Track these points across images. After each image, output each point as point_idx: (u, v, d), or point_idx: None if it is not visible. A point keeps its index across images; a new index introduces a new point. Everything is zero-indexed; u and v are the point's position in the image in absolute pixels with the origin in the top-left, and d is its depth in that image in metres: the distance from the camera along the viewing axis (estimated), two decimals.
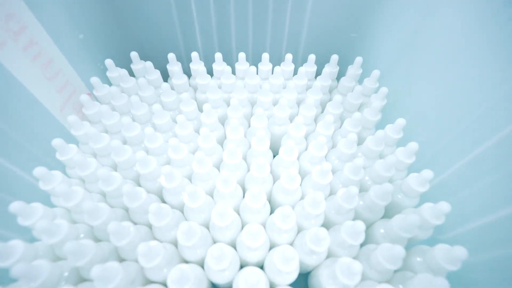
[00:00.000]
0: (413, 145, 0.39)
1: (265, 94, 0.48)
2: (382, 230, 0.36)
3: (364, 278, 0.33)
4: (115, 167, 0.43)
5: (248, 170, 0.43)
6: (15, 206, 0.30)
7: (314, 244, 0.31)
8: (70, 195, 0.33)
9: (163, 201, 0.40)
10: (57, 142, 0.36)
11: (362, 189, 0.42)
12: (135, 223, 0.37)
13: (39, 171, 0.33)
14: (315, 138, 0.46)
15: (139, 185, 0.41)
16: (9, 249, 0.28)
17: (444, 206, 0.32)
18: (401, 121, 0.42)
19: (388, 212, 0.40)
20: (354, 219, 0.38)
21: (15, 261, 0.27)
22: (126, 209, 0.38)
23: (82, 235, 0.34)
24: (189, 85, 0.57)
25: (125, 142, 0.45)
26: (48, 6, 0.41)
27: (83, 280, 0.31)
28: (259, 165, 0.37)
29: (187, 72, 0.57)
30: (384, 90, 0.47)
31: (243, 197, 0.40)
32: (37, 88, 0.38)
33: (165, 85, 0.47)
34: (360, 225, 0.30)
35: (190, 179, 0.42)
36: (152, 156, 0.39)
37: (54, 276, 0.28)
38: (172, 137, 0.45)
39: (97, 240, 0.35)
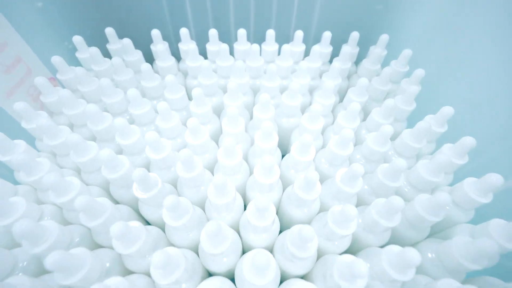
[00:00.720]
0: (468, 141, 0.29)
1: (270, 79, 0.39)
2: (430, 255, 0.27)
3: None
4: (78, 170, 0.33)
5: (251, 174, 0.33)
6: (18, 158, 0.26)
7: (304, 191, 0.27)
8: (32, 168, 0.28)
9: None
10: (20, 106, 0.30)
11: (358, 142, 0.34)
12: (116, 202, 0.31)
13: None
14: (335, 132, 0.36)
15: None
16: (9, 206, 0.25)
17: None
18: (447, 110, 0.33)
19: (433, 228, 0.30)
20: (391, 241, 0.29)
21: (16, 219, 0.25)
22: (106, 188, 0.32)
23: (46, 218, 0.28)
24: (178, 69, 0.48)
25: (93, 138, 0.36)
26: None
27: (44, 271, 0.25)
28: (266, 166, 0.27)
29: (176, 54, 0.48)
30: (419, 73, 0.38)
31: (244, 210, 0.30)
32: None
33: (145, 66, 0.37)
34: (358, 168, 0.26)
35: (175, 186, 0.32)
36: (125, 157, 0.29)
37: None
38: (153, 131, 0.35)
39: (66, 223, 0.29)
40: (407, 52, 0.41)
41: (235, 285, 0.26)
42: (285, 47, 0.41)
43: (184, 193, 0.31)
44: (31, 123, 0.32)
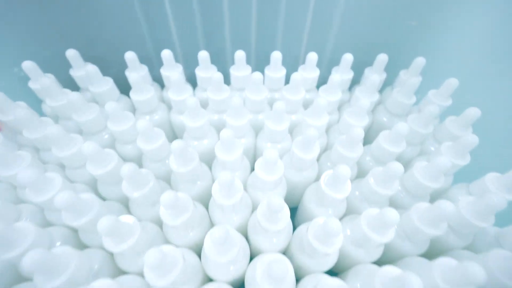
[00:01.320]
0: (471, 139, 0.21)
1: (278, 120, 0.30)
2: None
3: None
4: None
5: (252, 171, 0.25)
6: None
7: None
8: (9, 162, 0.25)
9: None
10: None
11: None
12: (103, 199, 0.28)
13: None
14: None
15: None
16: None
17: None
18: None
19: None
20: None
21: None
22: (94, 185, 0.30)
23: (24, 219, 0.26)
24: (162, 100, 0.38)
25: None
26: None
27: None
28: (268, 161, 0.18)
29: (160, 79, 0.38)
30: (474, 113, 0.29)
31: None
32: None
33: (111, 106, 0.28)
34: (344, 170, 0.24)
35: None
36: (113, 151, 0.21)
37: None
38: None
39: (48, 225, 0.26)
40: (451, 83, 0.32)
41: None
42: (296, 76, 0.32)
43: (179, 189, 0.28)
44: None
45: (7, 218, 0.24)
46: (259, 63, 0.39)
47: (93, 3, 0.34)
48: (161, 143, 0.28)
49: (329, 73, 0.38)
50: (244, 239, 0.25)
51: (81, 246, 0.26)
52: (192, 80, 0.39)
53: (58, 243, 0.24)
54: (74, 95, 0.29)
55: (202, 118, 0.30)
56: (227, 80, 0.35)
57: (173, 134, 0.39)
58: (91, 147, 0.24)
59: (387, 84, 0.39)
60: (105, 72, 0.38)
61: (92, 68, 0.32)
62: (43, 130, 0.29)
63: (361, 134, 0.27)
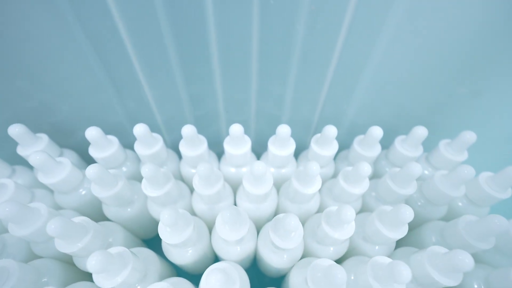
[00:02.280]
0: None
1: (285, 231, 0.22)
2: None
3: None
4: None
5: None
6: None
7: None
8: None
9: None
10: None
11: None
12: None
13: None
14: None
15: None
16: None
17: None
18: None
19: None
20: None
21: None
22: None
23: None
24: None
25: None
26: None
27: None
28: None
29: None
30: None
31: None
32: None
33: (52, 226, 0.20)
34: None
35: None
36: None
37: None
38: None
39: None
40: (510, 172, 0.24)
41: None
42: (311, 168, 0.24)
43: None
44: None
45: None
46: (260, 128, 0.31)
47: (46, 67, 0.26)
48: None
49: (350, 137, 0.30)
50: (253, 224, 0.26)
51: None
52: (177, 146, 0.31)
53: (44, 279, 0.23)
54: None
55: (187, 230, 0.22)
56: (220, 146, 0.27)
57: (153, 221, 0.31)
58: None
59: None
60: (69, 137, 0.30)
61: (39, 158, 0.24)
62: None
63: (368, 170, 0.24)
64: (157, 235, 0.23)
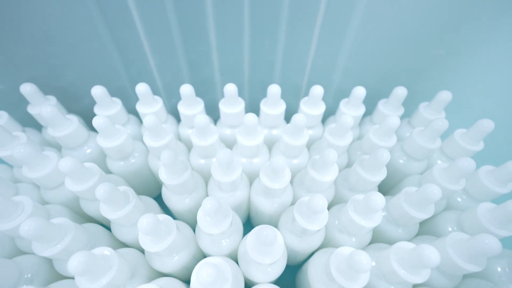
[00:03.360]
0: None
1: (275, 178, 0.24)
2: None
3: None
4: None
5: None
6: None
7: (305, 219, 0.22)
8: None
9: None
10: None
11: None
12: None
13: None
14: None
15: None
16: None
17: None
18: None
19: None
20: None
21: None
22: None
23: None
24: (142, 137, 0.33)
25: None
26: None
27: None
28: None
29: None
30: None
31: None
32: None
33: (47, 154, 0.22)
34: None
35: None
36: None
37: None
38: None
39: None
40: (485, 124, 0.26)
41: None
42: (298, 119, 0.26)
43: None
44: None
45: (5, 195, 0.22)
46: (252, 98, 0.34)
47: (54, 32, 0.28)
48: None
49: (336, 103, 0.32)
50: (236, 215, 0.25)
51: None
52: (176, 112, 0.33)
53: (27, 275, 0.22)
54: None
55: (184, 174, 0.24)
56: (216, 112, 0.29)
57: (153, 177, 0.33)
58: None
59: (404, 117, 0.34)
60: (74, 103, 0.32)
61: (50, 110, 0.26)
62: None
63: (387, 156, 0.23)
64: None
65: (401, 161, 0.31)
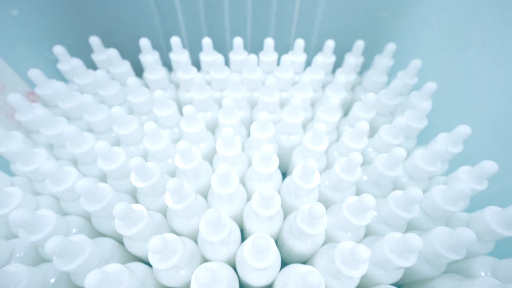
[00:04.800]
0: (489, 166, 0.27)
1: (269, 93, 0.36)
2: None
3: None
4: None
5: (248, 199, 0.30)
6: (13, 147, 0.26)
7: (307, 224, 0.24)
8: (29, 158, 0.27)
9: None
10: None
11: (365, 162, 0.33)
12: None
13: None
14: (340, 152, 0.33)
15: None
16: (5, 196, 0.25)
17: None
18: (463, 130, 0.30)
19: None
20: (404, 276, 0.26)
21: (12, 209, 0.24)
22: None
23: (43, 208, 0.27)
24: (170, 81, 0.44)
25: (75, 162, 0.33)
26: None
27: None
28: (265, 197, 0.24)
29: (168, 64, 0.44)
30: (431, 87, 0.35)
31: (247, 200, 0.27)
32: None
33: (132, 80, 0.34)
34: (369, 199, 0.23)
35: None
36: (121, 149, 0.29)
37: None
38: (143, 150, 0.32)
39: (63, 214, 0.28)
40: (416, 63, 0.38)
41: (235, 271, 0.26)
42: (285, 58, 0.38)
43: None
44: (2, 146, 0.29)
45: (29, 207, 0.26)
46: (254, 50, 0.45)
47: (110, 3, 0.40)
48: (166, 144, 0.30)
49: (315, 53, 0.44)
50: (235, 224, 0.28)
51: (95, 233, 0.29)
52: (195, 65, 0.45)
53: (74, 230, 0.27)
54: (69, 127, 0.28)
55: (206, 92, 0.36)
56: (226, 64, 0.41)
57: (180, 110, 0.45)
58: (103, 146, 0.26)
59: (366, 67, 0.45)
60: (124, 55, 0.44)
61: (113, 52, 0.38)
62: (59, 128, 0.31)
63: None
64: None
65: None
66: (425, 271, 0.26)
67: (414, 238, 0.21)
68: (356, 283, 0.24)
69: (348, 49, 0.43)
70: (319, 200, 0.31)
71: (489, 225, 0.25)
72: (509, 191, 0.32)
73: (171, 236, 0.23)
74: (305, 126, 0.39)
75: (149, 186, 0.27)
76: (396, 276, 0.26)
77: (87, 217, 0.29)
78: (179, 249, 0.22)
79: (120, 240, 0.28)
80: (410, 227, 0.30)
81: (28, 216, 0.21)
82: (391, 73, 0.42)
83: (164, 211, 0.29)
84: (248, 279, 0.24)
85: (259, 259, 0.22)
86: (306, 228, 0.24)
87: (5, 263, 0.24)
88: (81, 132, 0.29)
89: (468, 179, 0.29)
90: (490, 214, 0.26)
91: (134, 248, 0.26)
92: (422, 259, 0.26)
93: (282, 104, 0.40)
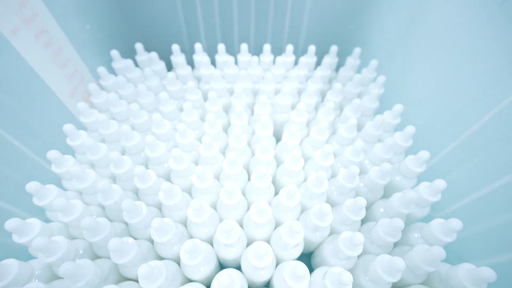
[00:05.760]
0: (410, 129, 0.41)
1: (267, 84, 0.50)
2: (381, 209, 0.38)
3: (365, 252, 0.34)
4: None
5: (253, 155, 0.45)
6: (31, 186, 0.31)
7: (318, 219, 0.32)
8: (68, 209, 0.31)
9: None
10: (52, 154, 0.34)
11: (362, 172, 0.44)
12: (135, 238, 0.34)
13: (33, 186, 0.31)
14: (316, 124, 0.48)
15: (147, 170, 0.43)
16: (27, 226, 0.29)
17: (440, 184, 0.34)
18: (398, 107, 0.44)
19: (388, 194, 0.42)
20: None
21: (33, 237, 0.28)
22: (126, 224, 0.37)
23: (56, 234, 0.33)
24: (193, 76, 0.59)
25: (133, 129, 0.47)
26: None
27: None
28: (264, 148, 0.38)
29: (191, 63, 0.59)
30: (382, 79, 0.49)
31: (249, 179, 0.41)
32: (48, 75, 0.39)
33: (170, 74, 0.48)
34: (361, 201, 0.31)
35: (196, 163, 0.43)
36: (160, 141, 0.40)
37: (70, 253, 0.29)
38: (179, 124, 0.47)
39: (71, 238, 0.34)
40: (374, 62, 0.52)
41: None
42: (279, 58, 0.52)
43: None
44: (88, 118, 0.43)
45: (45, 234, 0.30)
46: (256, 52, 0.60)
47: (148, 11, 0.54)
48: (187, 165, 0.37)
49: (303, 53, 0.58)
50: (210, 248, 0.33)
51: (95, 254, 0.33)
52: (212, 64, 0.59)
53: (81, 251, 0.31)
54: (124, 127, 0.44)
55: (221, 83, 0.50)
56: (235, 63, 0.55)
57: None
58: (103, 184, 0.31)
59: (340, 65, 0.60)
60: (159, 51, 0.58)
61: (154, 54, 0.52)
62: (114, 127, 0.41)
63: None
64: None
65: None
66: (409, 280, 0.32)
67: (399, 260, 0.26)
68: (354, 263, 0.32)
69: (326, 51, 0.57)
70: (327, 202, 0.39)
71: (437, 236, 0.31)
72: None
73: (156, 262, 0.28)
74: (293, 107, 0.54)
75: (166, 241, 0.30)
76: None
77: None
78: (163, 274, 0.27)
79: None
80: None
81: (46, 242, 0.26)
82: (359, 70, 0.56)
83: (184, 223, 0.36)
84: (250, 276, 0.31)
85: (260, 261, 0.28)
86: (317, 222, 0.32)
87: (27, 281, 0.28)
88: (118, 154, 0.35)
89: (424, 193, 0.35)
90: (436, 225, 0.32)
91: (128, 272, 0.31)
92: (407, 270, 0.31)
93: (277, 92, 0.54)
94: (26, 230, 0.28)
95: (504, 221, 0.32)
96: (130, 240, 0.28)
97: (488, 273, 0.25)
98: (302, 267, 0.27)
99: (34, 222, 0.30)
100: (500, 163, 0.33)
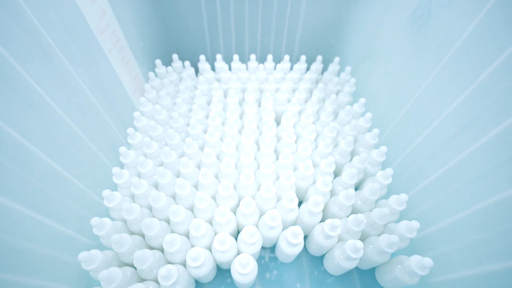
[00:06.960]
0: (383, 149, 0.60)
1: (270, 84, 0.69)
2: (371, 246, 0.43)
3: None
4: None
5: (261, 134, 0.64)
6: (94, 221, 0.37)
7: (330, 230, 0.40)
8: (121, 242, 0.37)
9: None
10: (105, 193, 0.41)
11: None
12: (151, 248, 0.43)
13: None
14: (305, 112, 0.67)
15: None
16: (92, 256, 0.35)
17: (414, 225, 0.38)
18: (362, 100, 0.63)
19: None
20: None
21: (96, 266, 0.35)
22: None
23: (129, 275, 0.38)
24: (215, 78, 0.78)
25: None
26: (127, 22, 0.61)
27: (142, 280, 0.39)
28: (266, 143, 0.57)
29: (212, 70, 0.78)
30: (353, 80, 0.68)
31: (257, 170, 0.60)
32: (123, 77, 0.58)
33: (201, 77, 0.67)
34: (361, 217, 0.40)
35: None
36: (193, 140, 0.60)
37: (124, 280, 0.36)
38: (208, 115, 0.66)
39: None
40: (348, 68, 0.71)
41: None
42: (278, 65, 0.71)
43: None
44: (145, 108, 0.62)
45: (106, 265, 0.37)
46: (261, 60, 0.79)
47: (182, 31, 0.74)
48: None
49: (295, 64, 0.78)
50: (209, 253, 0.40)
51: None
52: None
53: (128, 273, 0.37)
54: (178, 100, 0.68)
55: (236, 83, 0.69)
56: (246, 69, 0.74)
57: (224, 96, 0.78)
58: (146, 220, 0.38)
59: (324, 70, 0.79)
60: (187, 55, 0.77)
61: (187, 63, 0.71)
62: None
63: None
64: None
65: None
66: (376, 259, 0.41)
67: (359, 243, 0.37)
68: (356, 263, 0.41)
69: (313, 60, 0.76)
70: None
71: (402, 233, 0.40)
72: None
73: (170, 266, 0.34)
74: (289, 100, 0.73)
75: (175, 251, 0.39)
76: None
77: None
78: (175, 274, 0.34)
79: None
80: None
81: (107, 273, 0.33)
82: (337, 74, 0.75)
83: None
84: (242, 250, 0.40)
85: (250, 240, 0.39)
86: (313, 209, 0.42)
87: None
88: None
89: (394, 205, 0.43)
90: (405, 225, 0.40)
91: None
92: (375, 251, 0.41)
93: (277, 90, 0.73)
94: (92, 259, 0.35)
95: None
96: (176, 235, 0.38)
97: (415, 224, 0.38)
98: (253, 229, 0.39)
99: (96, 253, 0.36)
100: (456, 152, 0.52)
